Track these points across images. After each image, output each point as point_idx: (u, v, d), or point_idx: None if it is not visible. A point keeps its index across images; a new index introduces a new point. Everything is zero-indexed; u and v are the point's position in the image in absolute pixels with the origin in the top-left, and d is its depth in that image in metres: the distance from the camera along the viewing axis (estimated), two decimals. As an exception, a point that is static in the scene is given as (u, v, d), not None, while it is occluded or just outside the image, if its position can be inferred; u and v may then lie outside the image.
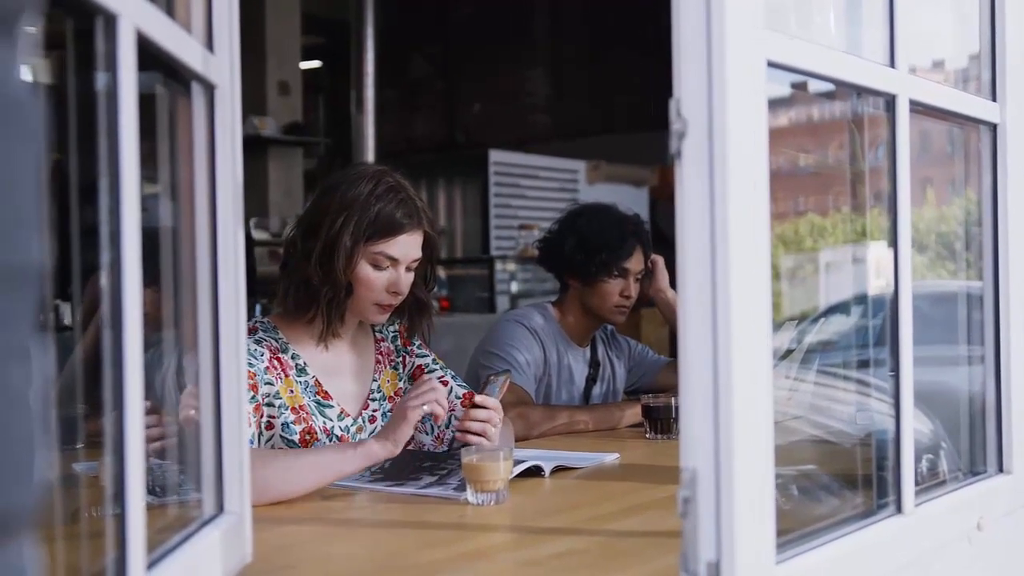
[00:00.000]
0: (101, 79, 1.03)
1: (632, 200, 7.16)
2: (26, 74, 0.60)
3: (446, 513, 1.88)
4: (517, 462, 2.08)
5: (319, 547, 1.75)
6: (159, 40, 1.14)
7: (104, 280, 1.03)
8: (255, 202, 7.39)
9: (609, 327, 3.24)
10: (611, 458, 2.41)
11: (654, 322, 6.62)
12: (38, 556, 0.62)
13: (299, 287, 2.24)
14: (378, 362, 2.41)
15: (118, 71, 1.02)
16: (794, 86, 1.52)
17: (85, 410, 1.35)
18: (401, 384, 2.42)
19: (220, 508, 1.40)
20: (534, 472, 2.17)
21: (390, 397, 2.39)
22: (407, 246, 2.24)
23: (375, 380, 2.38)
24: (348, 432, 2.28)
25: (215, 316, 1.40)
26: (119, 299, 1.02)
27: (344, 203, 2.20)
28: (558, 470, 2.24)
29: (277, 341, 2.25)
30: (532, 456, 2.23)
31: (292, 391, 2.22)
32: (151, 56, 1.14)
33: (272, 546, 1.62)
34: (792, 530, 1.36)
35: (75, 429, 1.46)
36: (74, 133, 1.07)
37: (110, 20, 1.01)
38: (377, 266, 2.23)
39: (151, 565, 1.11)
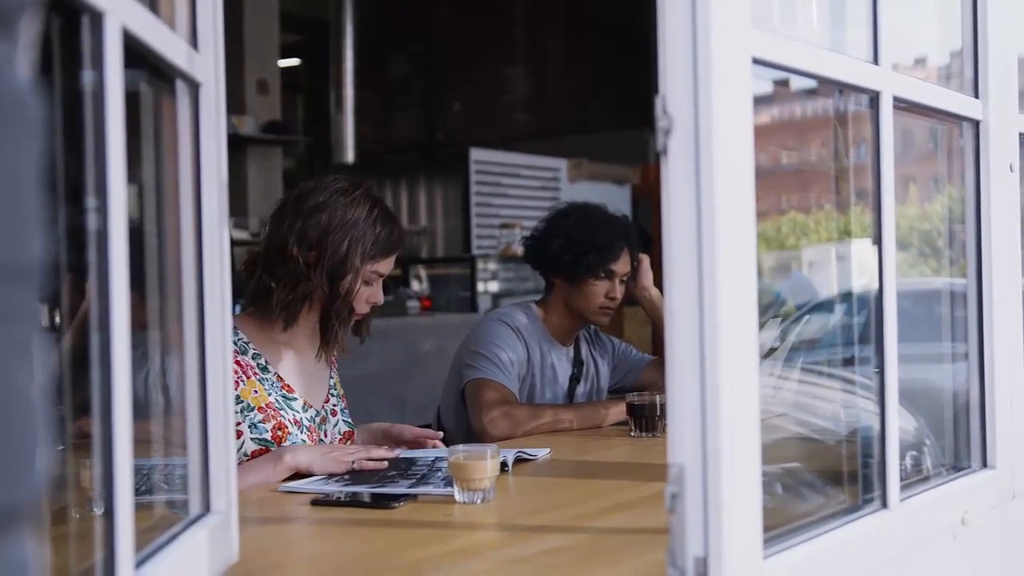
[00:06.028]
0: (86, 76, 1.03)
1: (614, 198, 7.17)
2: (26, 72, 0.60)
3: (433, 512, 1.87)
4: None
5: (305, 547, 1.75)
6: (145, 38, 1.13)
7: (90, 281, 1.02)
8: (234, 202, 7.30)
9: (593, 326, 3.24)
10: (543, 453, 2.43)
11: (636, 320, 6.64)
12: (39, 551, 0.62)
13: (301, 301, 2.33)
14: (332, 364, 2.54)
15: (105, 69, 1.01)
16: (776, 83, 1.52)
17: (63, 411, 1.35)
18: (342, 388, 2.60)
19: (207, 508, 1.40)
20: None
21: (342, 395, 2.55)
22: (393, 263, 2.43)
23: (331, 378, 2.52)
24: (314, 423, 2.39)
25: (201, 317, 1.39)
26: (106, 299, 1.01)
27: (346, 224, 2.31)
28: (519, 461, 2.28)
29: (236, 343, 2.30)
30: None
31: (256, 391, 2.30)
32: (136, 54, 1.13)
33: (258, 546, 1.62)
34: (779, 525, 1.36)
35: (58, 430, 1.45)
36: (57, 130, 1.06)
37: (96, 17, 1.00)
38: (367, 282, 2.37)
39: (138, 564, 1.11)
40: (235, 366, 2.26)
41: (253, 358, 2.34)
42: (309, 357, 2.44)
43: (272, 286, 2.31)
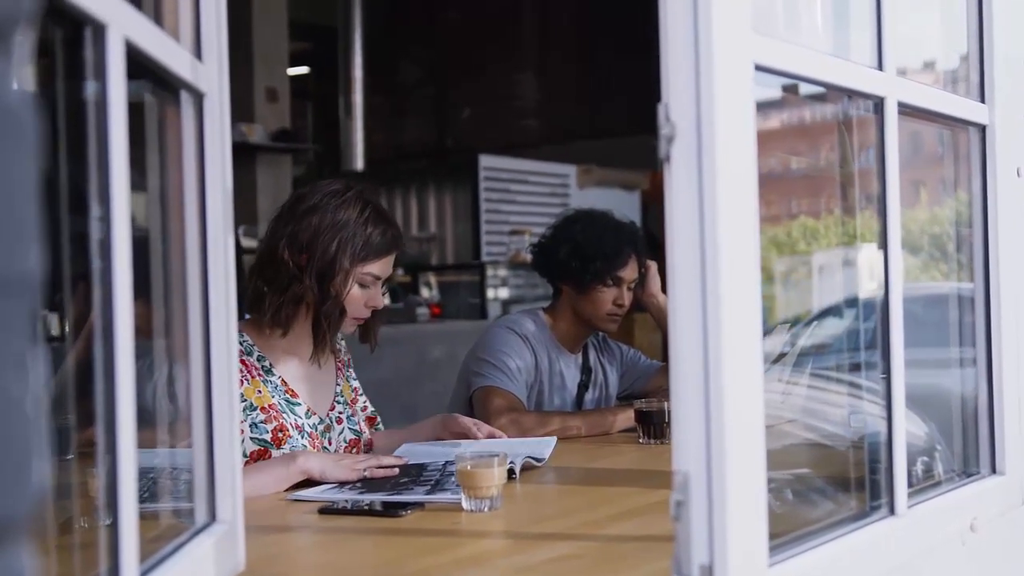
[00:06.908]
0: (90, 88, 1.03)
1: (623, 204, 7.17)
2: (22, 83, 0.61)
3: (440, 520, 1.87)
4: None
5: (312, 556, 1.75)
6: (148, 49, 1.14)
7: (94, 290, 1.03)
8: (244, 210, 7.36)
9: (601, 332, 3.24)
10: (550, 447, 2.45)
11: (646, 327, 6.63)
12: (35, 563, 0.63)
13: (292, 304, 2.33)
14: (339, 370, 2.54)
15: (107, 80, 1.02)
16: (785, 89, 1.52)
17: (71, 421, 1.35)
18: (352, 393, 2.58)
19: (212, 517, 1.40)
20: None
21: (350, 402, 2.53)
22: (389, 265, 2.41)
23: (338, 385, 2.52)
24: (316, 430, 2.39)
25: (206, 326, 1.39)
26: (110, 309, 1.02)
27: (336, 225, 2.31)
28: (525, 469, 2.27)
29: (242, 344, 2.31)
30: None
31: (260, 391, 2.31)
32: (139, 65, 1.13)
33: (265, 555, 1.62)
34: (785, 533, 1.36)
35: (66, 440, 1.45)
36: (62, 141, 1.07)
37: (99, 29, 1.01)
38: (362, 285, 2.36)
39: (143, 574, 1.11)
40: (240, 366, 2.26)
41: (258, 360, 2.34)
42: (315, 367, 2.44)
43: (265, 291, 2.32)
